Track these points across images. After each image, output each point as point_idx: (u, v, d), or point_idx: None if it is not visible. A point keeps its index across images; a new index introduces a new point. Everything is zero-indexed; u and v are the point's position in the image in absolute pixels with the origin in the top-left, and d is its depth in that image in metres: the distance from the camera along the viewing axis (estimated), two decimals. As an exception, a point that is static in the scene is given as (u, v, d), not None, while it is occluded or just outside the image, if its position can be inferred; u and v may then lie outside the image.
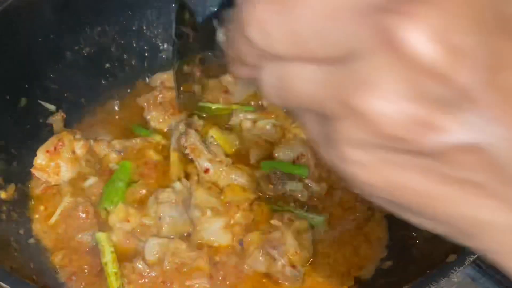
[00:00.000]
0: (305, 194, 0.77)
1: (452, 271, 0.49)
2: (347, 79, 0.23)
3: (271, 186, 0.77)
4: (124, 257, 0.70)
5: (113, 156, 0.79)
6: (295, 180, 0.77)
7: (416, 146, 0.23)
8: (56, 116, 0.82)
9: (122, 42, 0.89)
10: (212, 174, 0.77)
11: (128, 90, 0.90)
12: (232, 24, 0.27)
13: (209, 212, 0.73)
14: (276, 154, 0.80)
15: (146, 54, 0.92)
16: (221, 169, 0.77)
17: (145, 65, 0.92)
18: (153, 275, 0.68)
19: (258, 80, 0.27)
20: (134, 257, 0.70)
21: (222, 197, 0.75)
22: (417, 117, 0.22)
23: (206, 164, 0.77)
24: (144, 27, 0.91)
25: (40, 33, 0.80)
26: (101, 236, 0.70)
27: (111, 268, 0.68)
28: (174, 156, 0.79)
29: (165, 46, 0.93)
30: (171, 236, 0.72)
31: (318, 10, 0.23)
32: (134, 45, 0.91)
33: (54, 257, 0.70)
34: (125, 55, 0.90)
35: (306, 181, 0.77)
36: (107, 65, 0.89)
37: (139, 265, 0.68)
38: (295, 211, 0.75)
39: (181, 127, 0.81)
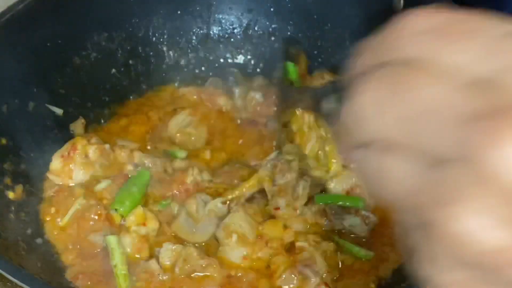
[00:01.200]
0: (365, 229, 0.74)
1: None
2: (442, 187, 0.22)
3: (328, 221, 0.75)
4: (135, 260, 0.72)
5: (130, 168, 0.80)
6: (352, 214, 0.75)
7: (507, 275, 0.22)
8: (77, 123, 0.84)
9: (128, 48, 0.91)
10: (279, 214, 0.76)
11: (131, 97, 0.92)
12: (345, 102, 0.27)
13: (234, 237, 0.73)
14: (329, 187, 0.78)
15: (152, 60, 0.94)
16: (287, 216, 0.76)
17: (151, 70, 0.94)
18: (164, 278, 0.69)
19: (359, 164, 0.27)
20: (146, 260, 0.71)
21: (260, 227, 0.74)
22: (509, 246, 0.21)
23: (281, 205, 0.76)
24: (150, 34, 0.93)
25: (48, 39, 0.82)
26: (111, 239, 0.71)
27: (120, 269, 0.69)
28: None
29: (171, 52, 0.95)
30: (187, 244, 0.73)
31: (427, 102, 0.23)
32: (140, 51, 0.93)
33: (64, 257, 0.72)
34: (130, 61, 0.92)
35: (363, 212, 0.75)
36: (113, 70, 0.90)
37: (153, 265, 0.69)
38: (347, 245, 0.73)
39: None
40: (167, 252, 0.71)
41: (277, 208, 0.76)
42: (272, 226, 0.75)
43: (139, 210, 0.75)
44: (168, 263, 0.70)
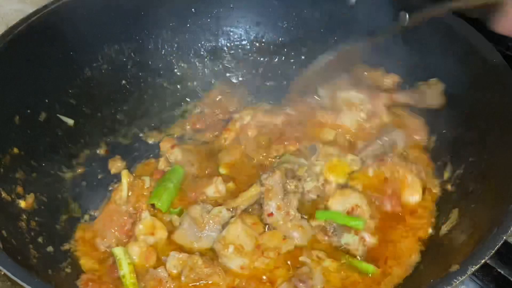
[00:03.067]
0: (362, 249, 0.75)
1: (454, 280, 0.51)
2: None
3: (326, 237, 0.77)
4: (144, 268, 0.74)
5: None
6: (351, 233, 0.76)
7: None
8: (117, 163, 0.87)
9: (138, 59, 0.93)
10: (274, 221, 0.78)
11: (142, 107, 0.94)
12: None
13: (230, 249, 0.74)
14: (330, 204, 0.80)
15: (161, 72, 0.96)
16: (282, 222, 0.78)
17: (160, 82, 0.95)
18: (172, 286, 0.71)
19: None
20: (154, 268, 0.73)
21: (260, 238, 0.76)
22: None
23: (272, 209, 0.78)
24: (160, 46, 0.94)
25: (60, 51, 0.84)
26: (117, 250, 0.74)
27: (129, 279, 0.71)
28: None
29: (180, 64, 0.97)
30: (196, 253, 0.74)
31: None
32: (150, 62, 0.94)
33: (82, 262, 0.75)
34: (140, 73, 0.94)
35: (362, 233, 0.76)
36: (123, 81, 0.92)
37: (161, 273, 0.71)
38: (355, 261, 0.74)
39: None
40: (174, 261, 0.72)
41: (270, 214, 0.78)
42: (271, 237, 0.77)
43: (148, 219, 0.77)
44: (174, 271, 0.72)
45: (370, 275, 0.72)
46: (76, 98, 0.87)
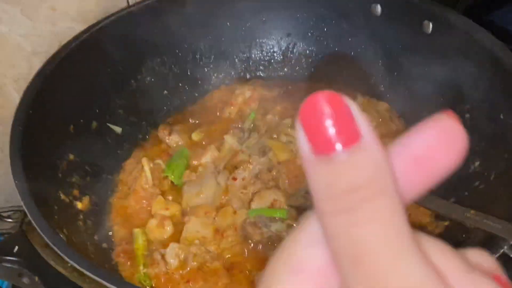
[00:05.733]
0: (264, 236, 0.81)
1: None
2: None
3: (258, 230, 0.82)
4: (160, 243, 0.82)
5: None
6: (278, 222, 0.82)
7: None
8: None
9: (178, 71, 1.00)
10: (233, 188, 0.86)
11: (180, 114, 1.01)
12: None
13: (197, 242, 0.81)
14: (253, 206, 0.85)
15: (199, 82, 1.03)
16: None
17: (198, 90, 1.03)
18: (177, 275, 0.78)
19: None
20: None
21: (214, 222, 0.83)
22: None
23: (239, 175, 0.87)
24: (198, 57, 1.01)
25: (108, 65, 0.91)
26: (136, 230, 0.83)
27: (141, 250, 0.81)
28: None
29: (215, 74, 1.04)
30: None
31: None
32: (189, 73, 1.01)
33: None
34: (180, 84, 1.01)
35: (288, 221, 0.82)
36: (165, 91, 0.99)
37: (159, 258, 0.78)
38: None
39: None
40: (173, 252, 0.78)
41: (234, 179, 0.86)
42: (222, 217, 0.83)
43: (160, 199, 0.86)
44: (174, 262, 0.78)
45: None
46: (123, 108, 0.94)
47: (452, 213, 0.60)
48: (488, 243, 0.61)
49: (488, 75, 0.82)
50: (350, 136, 0.21)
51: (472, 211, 0.58)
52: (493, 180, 0.76)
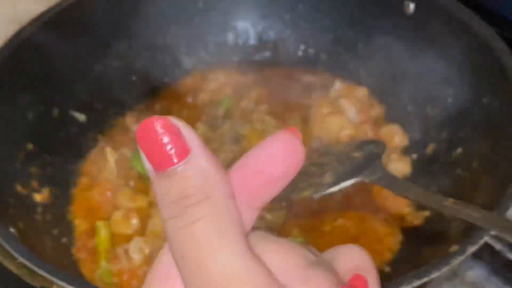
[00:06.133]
0: (262, 224, 0.76)
1: (453, 259, 0.53)
2: None
3: None
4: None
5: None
6: None
7: None
8: None
9: (148, 56, 0.95)
10: None
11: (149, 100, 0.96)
12: None
13: (163, 237, 0.76)
14: None
15: (170, 67, 0.98)
16: None
17: (168, 76, 0.97)
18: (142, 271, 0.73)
19: None
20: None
21: None
22: None
23: None
24: (168, 41, 0.96)
25: (71, 48, 0.86)
26: (99, 222, 0.78)
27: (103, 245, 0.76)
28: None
29: (187, 59, 0.99)
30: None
31: None
32: (158, 58, 0.96)
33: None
34: (149, 69, 0.96)
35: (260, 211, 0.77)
36: (133, 77, 0.94)
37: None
38: None
39: None
40: (137, 247, 0.74)
41: None
42: None
43: (125, 190, 0.81)
44: (139, 257, 0.74)
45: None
46: (88, 94, 0.89)
47: (430, 201, 0.56)
48: (469, 233, 0.57)
49: (472, 59, 0.79)
50: (180, 152, 0.24)
51: (450, 200, 0.54)
52: (476, 167, 0.73)
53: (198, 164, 0.25)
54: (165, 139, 0.24)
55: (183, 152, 0.24)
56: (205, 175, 0.25)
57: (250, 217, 0.27)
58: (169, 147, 0.24)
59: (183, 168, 0.24)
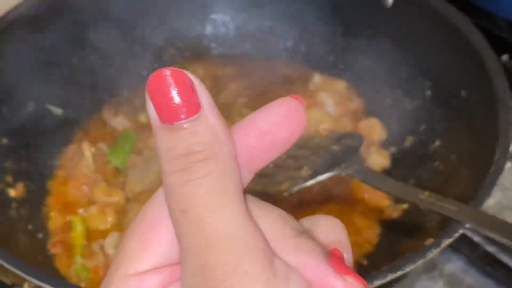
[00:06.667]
0: None
1: (428, 252, 0.52)
2: None
3: None
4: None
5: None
6: None
7: None
8: None
9: (125, 48, 0.93)
10: None
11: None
12: None
13: None
14: None
15: (148, 60, 0.96)
16: None
17: (147, 69, 0.96)
18: None
19: None
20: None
21: None
22: None
23: None
24: (146, 34, 0.95)
25: (46, 40, 0.84)
26: (75, 217, 0.77)
27: (79, 239, 0.75)
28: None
29: (165, 52, 0.98)
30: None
31: None
32: (137, 50, 0.95)
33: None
34: (127, 61, 0.94)
35: None
36: (110, 70, 0.93)
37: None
38: None
39: None
40: (112, 242, 0.73)
41: None
42: None
43: (102, 185, 0.79)
44: (114, 252, 0.73)
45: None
46: (64, 88, 0.87)
47: (406, 195, 0.56)
48: (445, 226, 0.57)
49: (450, 51, 0.79)
50: (191, 107, 0.24)
51: (427, 193, 0.54)
52: (454, 160, 0.72)
53: (208, 121, 0.24)
54: (179, 92, 0.24)
55: (195, 107, 0.24)
56: (214, 133, 0.24)
57: (246, 179, 0.27)
58: (181, 100, 0.24)
59: (194, 124, 0.24)
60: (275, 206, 0.28)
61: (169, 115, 0.24)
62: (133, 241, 0.26)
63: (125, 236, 0.27)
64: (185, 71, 0.25)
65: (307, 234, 0.27)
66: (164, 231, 0.26)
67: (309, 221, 0.29)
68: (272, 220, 0.26)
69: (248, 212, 0.25)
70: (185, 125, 0.24)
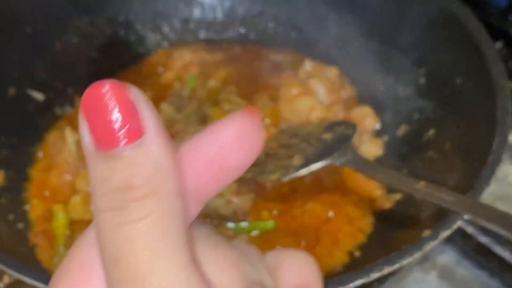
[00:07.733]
0: (229, 208, 0.73)
1: (425, 244, 0.51)
2: None
3: None
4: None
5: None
6: (216, 197, 0.75)
7: None
8: None
9: (110, 32, 0.91)
10: None
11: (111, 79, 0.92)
12: None
13: None
14: None
15: (133, 45, 0.94)
16: None
17: (131, 54, 0.93)
18: None
19: None
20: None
21: None
22: None
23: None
24: (132, 18, 0.92)
25: (28, 23, 0.81)
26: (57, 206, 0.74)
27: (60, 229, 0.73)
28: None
29: (151, 36, 0.95)
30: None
31: None
32: (121, 35, 0.92)
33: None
34: (111, 46, 0.92)
35: (227, 196, 0.73)
36: (94, 55, 0.90)
37: None
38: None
39: None
40: None
41: None
42: None
43: (85, 173, 0.76)
44: None
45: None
46: (46, 72, 0.84)
47: (401, 184, 0.54)
48: (441, 217, 0.55)
49: (446, 37, 0.77)
50: (132, 132, 0.21)
51: (422, 183, 0.52)
52: (448, 150, 0.71)
53: (151, 151, 0.21)
54: (116, 114, 0.20)
55: (136, 133, 0.20)
56: (157, 166, 0.21)
57: (194, 212, 0.23)
58: (119, 123, 0.20)
59: (133, 153, 0.20)
60: (231, 245, 0.24)
61: (105, 141, 0.20)
62: (61, 286, 0.23)
63: (53, 278, 0.23)
64: (128, 86, 0.21)
65: (260, 285, 0.24)
66: (96, 275, 0.22)
67: (275, 257, 0.26)
68: (223, 267, 0.23)
69: (194, 261, 0.21)
70: (124, 153, 0.20)
